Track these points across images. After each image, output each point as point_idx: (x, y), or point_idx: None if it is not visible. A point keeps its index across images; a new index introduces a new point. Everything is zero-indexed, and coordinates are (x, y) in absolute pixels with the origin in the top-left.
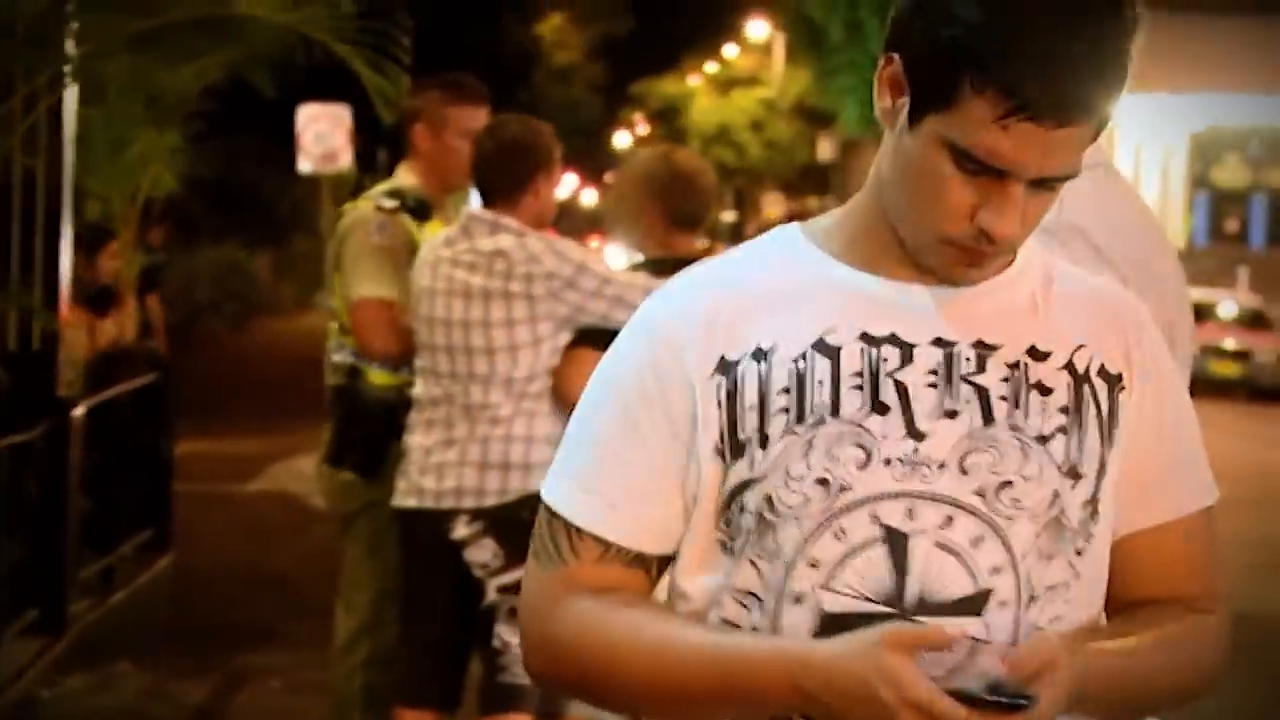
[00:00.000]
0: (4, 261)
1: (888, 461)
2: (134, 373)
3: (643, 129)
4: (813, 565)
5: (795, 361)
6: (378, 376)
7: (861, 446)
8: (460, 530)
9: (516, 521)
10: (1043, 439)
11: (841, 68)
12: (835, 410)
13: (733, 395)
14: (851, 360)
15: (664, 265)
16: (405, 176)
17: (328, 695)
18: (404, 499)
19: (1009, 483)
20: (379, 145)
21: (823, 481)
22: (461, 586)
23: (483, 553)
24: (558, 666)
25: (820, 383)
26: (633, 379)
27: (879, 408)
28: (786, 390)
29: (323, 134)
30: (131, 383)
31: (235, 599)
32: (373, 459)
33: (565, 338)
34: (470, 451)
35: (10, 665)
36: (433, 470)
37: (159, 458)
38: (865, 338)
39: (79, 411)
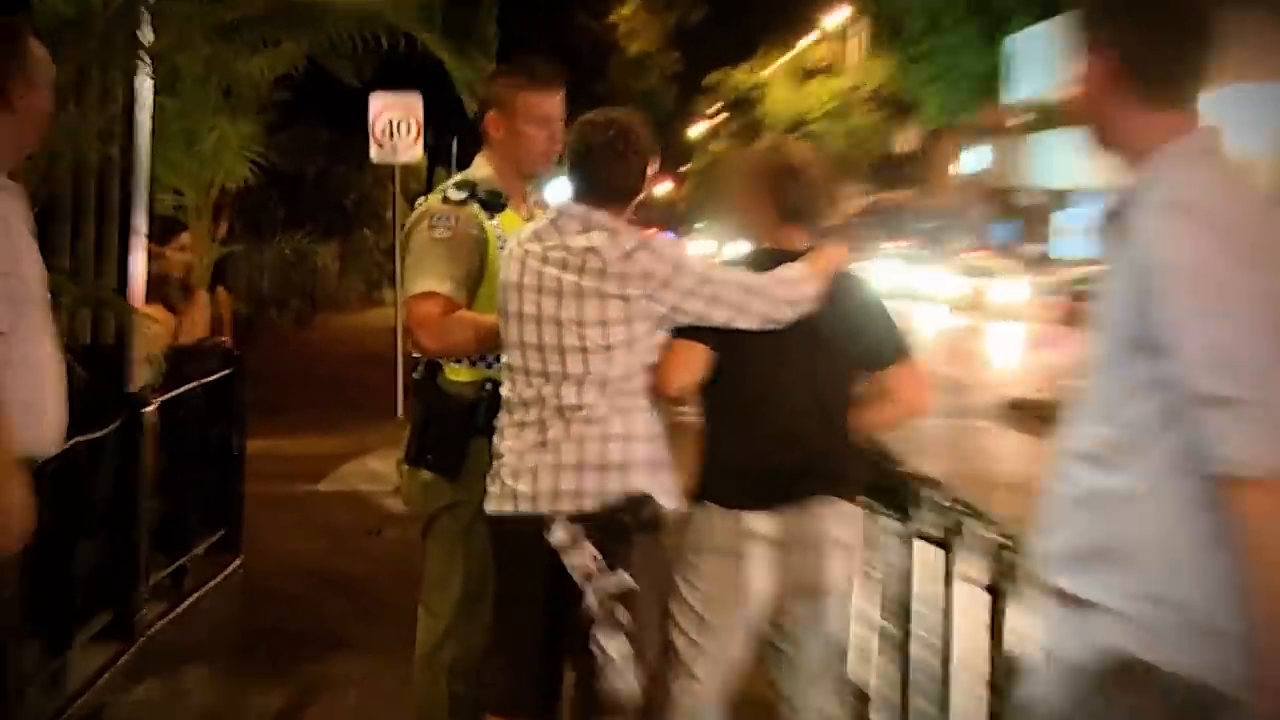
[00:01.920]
0: (77, 255)
1: None
2: (205, 369)
3: (717, 119)
4: None
5: None
6: (456, 373)
7: None
8: (559, 534)
9: (616, 524)
10: None
11: (923, 56)
12: None
13: None
14: None
15: (771, 258)
16: (480, 167)
17: (406, 704)
18: (498, 504)
19: None
20: (450, 136)
21: None
22: (557, 592)
23: (582, 557)
24: None
25: None
26: None
27: None
28: None
29: (394, 123)
30: (204, 379)
31: (307, 603)
32: (453, 458)
33: (662, 335)
34: (566, 453)
35: (84, 670)
36: (527, 474)
37: (230, 457)
38: None
39: (151, 409)
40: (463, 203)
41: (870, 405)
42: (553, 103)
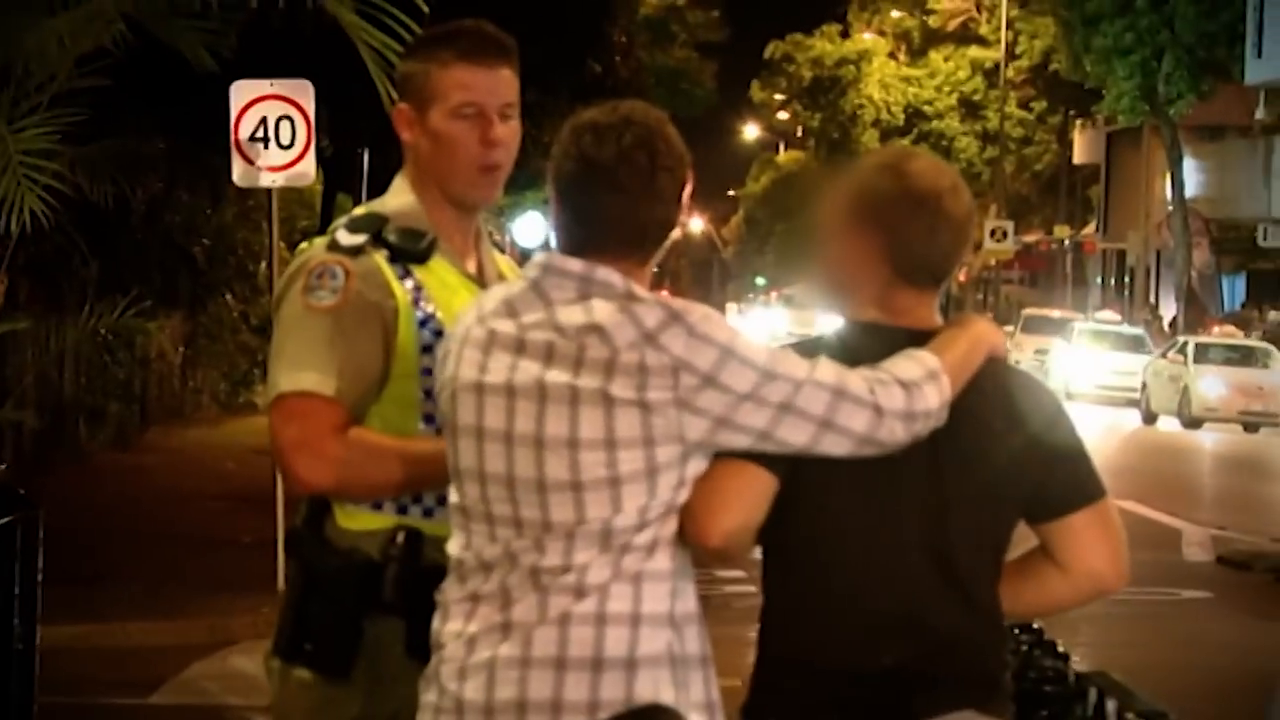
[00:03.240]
0: None
1: None
2: None
3: (782, 114)
4: None
5: None
6: (352, 517)
7: None
8: None
9: None
10: None
11: (1110, 13)
12: None
13: None
14: None
15: (878, 340)
16: (398, 193)
17: None
18: None
19: None
20: (359, 144)
21: None
22: None
23: None
24: None
25: None
26: None
27: None
28: None
29: (270, 125)
30: None
31: None
32: (341, 649)
33: (699, 466)
34: (540, 642)
35: None
36: (479, 673)
37: (11, 652)
38: None
39: None
40: (358, 250)
41: (1030, 577)
42: (490, 84)
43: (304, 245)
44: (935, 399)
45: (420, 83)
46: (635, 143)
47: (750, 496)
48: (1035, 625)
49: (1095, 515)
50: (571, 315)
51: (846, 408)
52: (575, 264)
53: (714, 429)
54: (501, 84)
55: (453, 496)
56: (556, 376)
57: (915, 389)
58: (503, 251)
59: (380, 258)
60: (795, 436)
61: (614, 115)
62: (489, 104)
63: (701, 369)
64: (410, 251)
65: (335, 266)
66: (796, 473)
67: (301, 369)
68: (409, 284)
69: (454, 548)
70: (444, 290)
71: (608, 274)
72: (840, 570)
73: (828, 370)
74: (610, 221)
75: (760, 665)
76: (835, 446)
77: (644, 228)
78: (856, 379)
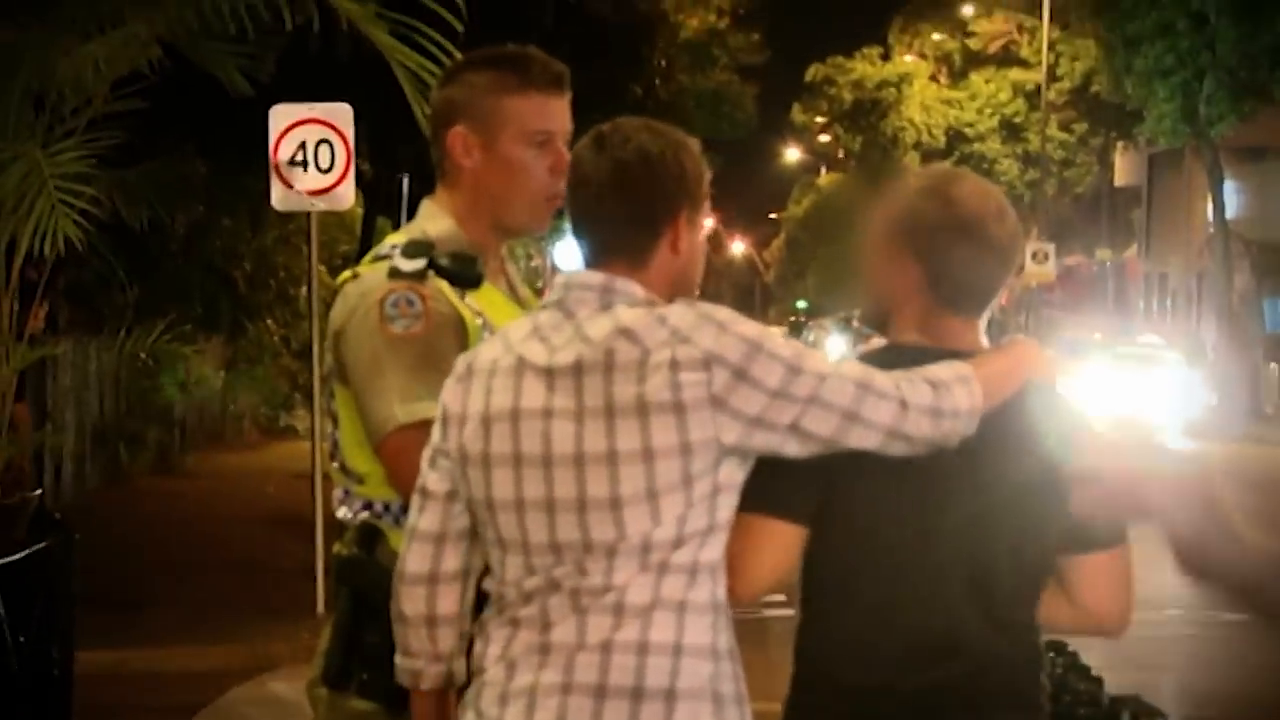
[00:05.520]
0: None
1: None
2: (5, 540)
3: (824, 137)
4: None
5: None
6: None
7: None
8: None
9: None
10: None
11: (1151, 35)
12: None
13: None
14: None
15: (920, 361)
16: (433, 218)
17: None
18: None
19: None
20: (398, 168)
21: None
22: None
23: None
24: None
25: None
26: None
27: None
28: None
29: (309, 149)
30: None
31: None
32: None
33: (731, 472)
34: (582, 668)
35: None
36: (519, 699)
37: (47, 681)
38: None
39: None
40: (420, 275)
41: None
42: (561, 113)
43: (346, 274)
44: (964, 400)
45: (488, 108)
46: (642, 156)
47: (776, 553)
48: (1070, 648)
49: (1117, 558)
50: (598, 324)
51: (871, 400)
52: (595, 276)
53: (748, 431)
54: (567, 113)
55: (486, 531)
56: (590, 388)
57: (943, 387)
58: (540, 275)
59: (441, 282)
60: (821, 428)
61: (624, 130)
62: (560, 132)
63: (732, 360)
64: (466, 276)
65: (409, 294)
66: (835, 493)
67: (415, 399)
68: (473, 305)
69: (489, 582)
70: (497, 313)
71: (626, 284)
72: (879, 590)
73: (853, 365)
74: (621, 230)
75: (796, 685)
76: (862, 440)
77: (655, 240)
78: (882, 375)
